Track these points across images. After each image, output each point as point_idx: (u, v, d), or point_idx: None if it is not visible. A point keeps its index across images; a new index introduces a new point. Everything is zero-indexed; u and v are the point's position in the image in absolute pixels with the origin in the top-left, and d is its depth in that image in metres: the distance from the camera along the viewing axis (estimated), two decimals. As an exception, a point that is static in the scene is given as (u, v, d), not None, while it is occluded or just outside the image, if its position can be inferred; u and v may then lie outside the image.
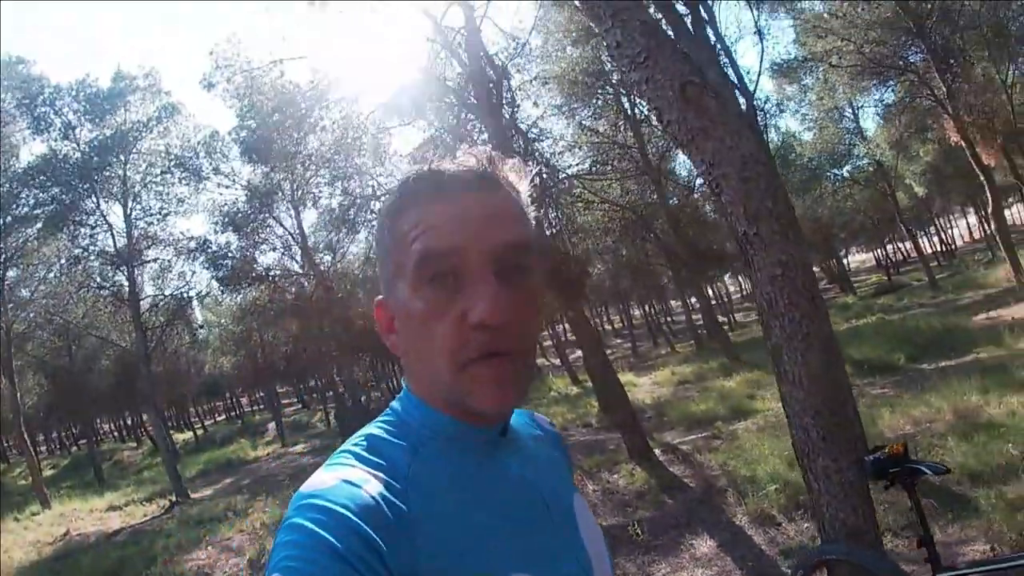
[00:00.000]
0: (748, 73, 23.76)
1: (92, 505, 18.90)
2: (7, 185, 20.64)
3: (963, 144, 20.46)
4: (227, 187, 22.45)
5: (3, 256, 21.54)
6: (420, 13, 13.55)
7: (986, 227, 40.28)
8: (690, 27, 9.75)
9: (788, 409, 3.49)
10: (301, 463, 21.56)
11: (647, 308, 47.06)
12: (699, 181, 25.38)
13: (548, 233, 13.73)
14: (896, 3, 19.84)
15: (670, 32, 8.73)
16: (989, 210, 21.97)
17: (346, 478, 0.89)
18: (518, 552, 0.94)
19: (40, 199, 20.96)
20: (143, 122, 21.93)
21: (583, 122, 23.82)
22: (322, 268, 23.83)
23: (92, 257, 21.91)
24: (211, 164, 22.18)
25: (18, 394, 21.75)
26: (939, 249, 51.86)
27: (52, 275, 23.42)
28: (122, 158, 21.39)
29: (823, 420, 3.37)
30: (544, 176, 15.37)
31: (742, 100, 14.87)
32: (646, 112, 23.86)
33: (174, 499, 17.69)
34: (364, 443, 0.97)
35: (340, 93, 14.09)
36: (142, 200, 22.21)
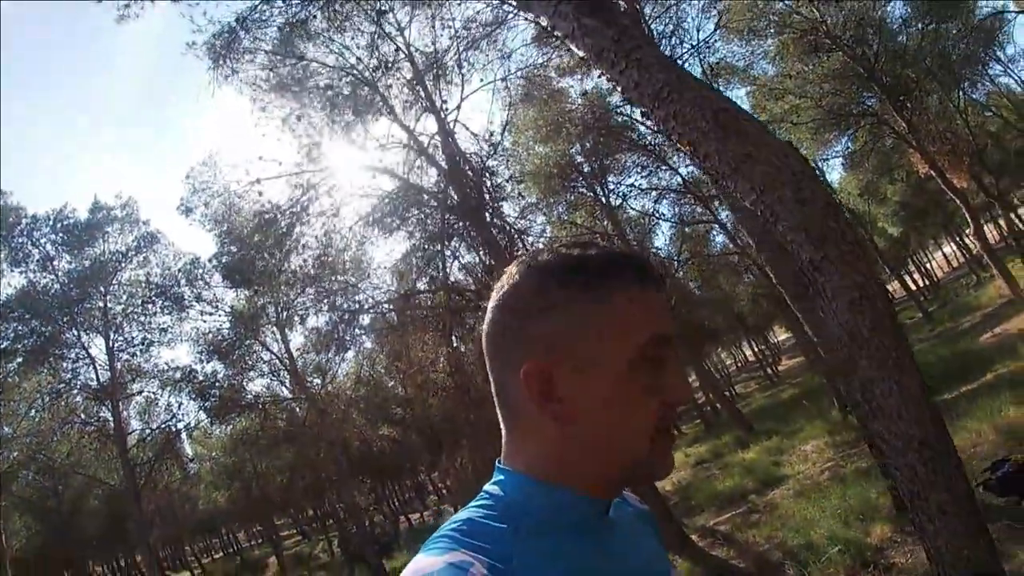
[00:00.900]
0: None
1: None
2: (-15, 318, 20.09)
3: (933, 173, 20.85)
4: (210, 314, 21.94)
5: (-17, 392, 20.78)
6: (393, 123, 13.71)
7: (964, 253, 40.79)
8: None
9: (885, 448, 3.13)
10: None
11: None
12: (683, 257, 25.54)
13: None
14: (843, 53, 20.51)
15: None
16: (970, 231, 22.25)
17: (452, 562, 0.89)
18: None
19: (19, 332, 20.37)
20: (122, 252, 21.70)
21: (561, 216, 23.98)
22: (313, 391, 23.24)
23: (75, 391, 21.25)
24: (193, 292, 21.73)
25: (3, 536, 20.60)
26: (922, 284, 52.26)
27: (34, 412, 22.49)
28: (102, 289, 21.06)
29: (930, 452, 3.01)
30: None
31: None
32: (619, 200, 24.22)
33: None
34: (464, 526, 0.98)
35: (320, 207, 13.99)
36: (124, 331, 21.73)
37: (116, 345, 21.33)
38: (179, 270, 22.12)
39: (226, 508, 37.35)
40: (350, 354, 21.22)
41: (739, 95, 23.41)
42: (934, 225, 40.79)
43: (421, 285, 16.52)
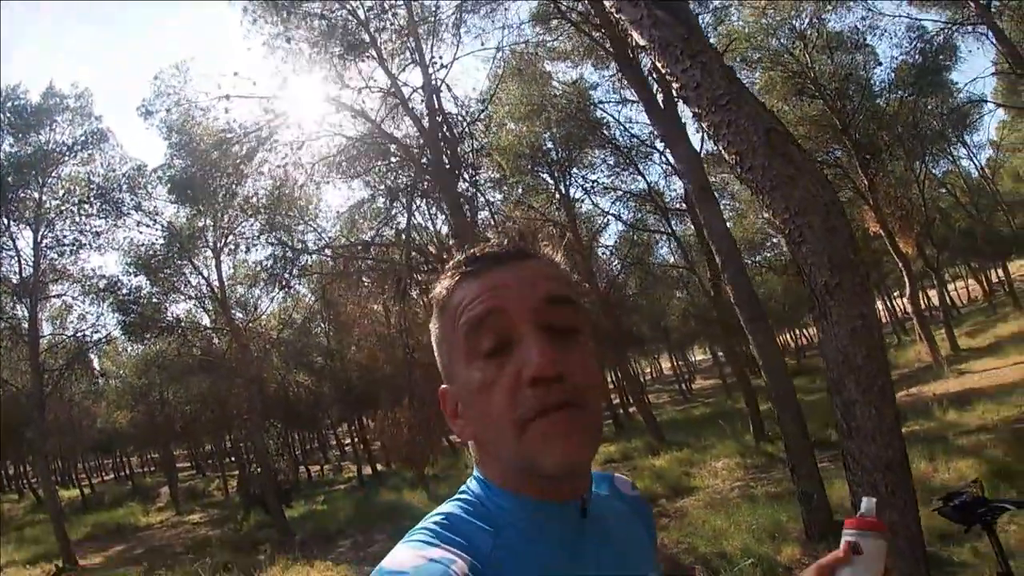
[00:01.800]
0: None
1: (-36, 562, 17.12)
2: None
3: (882, 233, 21.65)
4: (147, 226, 20.76)
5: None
6: (378, 68, 13.52)
7: (888, 314, 42.55)
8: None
9: (855, 465, 3.39)
10: (199, 534, 20.10)
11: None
12: (628, 260, 25.95)
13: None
14: (824, 102, 21.09)
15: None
16: (902, 294, 23.21)
17: (432, 557, 0.89)
18: None
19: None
20: (67, 144, 20.45)
21: (520, 198, 24.07)
22: (237, 324, 22.70)
23: (-7, 282, 19.91)
24: (133, 200, 20.60)
25: None
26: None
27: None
28: (40, 180, 19.88)
29: (893, 475, 3.30)
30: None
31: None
32: (579, 195, 24.48)
33: (60, 565, 16.17)
34: (445, 521, 0.97)
35: (287, 137, 13.62)
36: (55, 228, 20.52)
37: (45, 242, 20.30)
38: (123, 175, 20.91)
39: (126, 430, 36.31)
40: (282, 294, 20.82)
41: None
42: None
43: (371, 237, 16.38)
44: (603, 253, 27.71)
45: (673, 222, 25.21)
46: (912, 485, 3.43)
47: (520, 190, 23.76)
